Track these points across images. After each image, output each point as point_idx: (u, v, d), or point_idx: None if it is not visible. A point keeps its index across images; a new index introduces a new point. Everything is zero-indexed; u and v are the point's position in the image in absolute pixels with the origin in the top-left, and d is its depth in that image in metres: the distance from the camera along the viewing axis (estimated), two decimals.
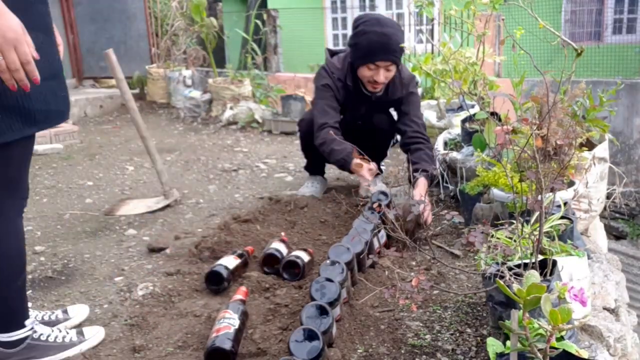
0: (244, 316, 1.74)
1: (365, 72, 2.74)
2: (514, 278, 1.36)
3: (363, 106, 2.95)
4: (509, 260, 1.53)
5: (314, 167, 3.26)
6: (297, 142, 3.59)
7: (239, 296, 1.87)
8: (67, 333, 1.70)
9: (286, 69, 8.10)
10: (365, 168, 2.62)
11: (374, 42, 2.63)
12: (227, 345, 1.55)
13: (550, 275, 1.43)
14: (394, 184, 3.24)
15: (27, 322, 1.61)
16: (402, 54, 2.73)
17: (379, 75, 2.72)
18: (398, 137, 3.30)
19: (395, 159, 4.19)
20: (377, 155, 3.14)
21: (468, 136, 2.91)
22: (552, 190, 1.44)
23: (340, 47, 11.83)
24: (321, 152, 2.82)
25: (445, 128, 3.60)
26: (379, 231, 2.29)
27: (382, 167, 3.35)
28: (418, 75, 5.08)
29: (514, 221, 1.59)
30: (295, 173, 3.89)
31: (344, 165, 2.72)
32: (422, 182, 2.63)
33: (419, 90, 5.10)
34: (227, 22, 9.46)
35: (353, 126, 2.95)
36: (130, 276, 2.25)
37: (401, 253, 1.71)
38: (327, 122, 2.79)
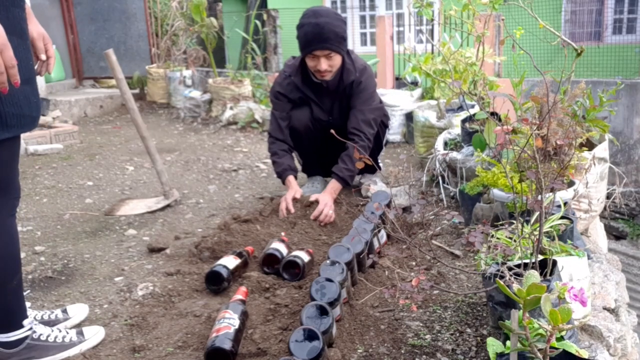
0: (244, 316, 1.74)
1: (310, 63, 2.83)
2: (514, 278, 1.36)
3: (326, 99, 2.97)
4: (509, 260, 1.53)
5: (309, 168, 3.26)
6: None
7: (239, 296, 1.87)
8: (67, 333, 1.70)
9: None
10: (290, 193, 2.76)
11: (309, 32, 2.72)
12: (227, 345, 1.55)
13: (550, 275, 1.43)
14: (394, 184, 3.24)
15: (25, 322, 1.61)
16: (341, 41, 2.78)
17: (321, 64, 2.78)
18: (387, 135, 3.33)
19: (395, 158, 4.19)
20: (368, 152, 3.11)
21: (468, 136, 2.91)
22: (552, 190, 1.44)
23: None
24: (271, 161, 3.02)
25: (445, 128, 3.60)
26: (379, 231, 2.30)
27: (380, 164, 3.33)
28: (418, 75, 5.09)
29: (514, 221, 1.59)
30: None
31: (280, 179, 2.95)
32: (329, 185, 2.81)
33: (419, 91, 5.11)
34: (227, 22, 9.47)
35: (327, 124, 2.97)
36: (130, 276, 2.25)
37: (401, 253, 1.71)
38: (271, 132, 3.00)
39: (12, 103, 1.43)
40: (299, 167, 3.44)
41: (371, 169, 3.13)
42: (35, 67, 1.60)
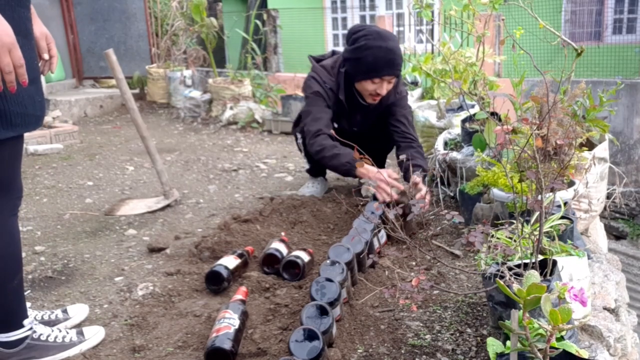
0: (244, 316, 1.74)
1: (368, 86, 2.74)
2: (514, 278, 1.36)
3: (358, 114, 2.95)
4: (509, 260, 1.53)
5: (317, 170, 3.26)
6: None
7: (239, 296, 1.87)
8: (67, 333, 1.70)
9: (286, 69, 8.10)
10: (373, 173, 2.53)
11: (380, 57, 2.63)
12: (227, 345, 1.55)
13: (550, 275, 1.43)
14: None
15: (25, 322, 1.61)
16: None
17: (382, 88, 2.73)
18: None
19: (396, 159, 4.19)
20: (375, 161, 3.12)
21: (468, 136, 2.91)
22: (552, 190, 1.44)
23: (340, 47, 11.84)
24: (319, 159, 2.77)
25: (445, 128, 3.60)
26: (379, 231, 2.30)
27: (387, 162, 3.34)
28: (418, 75, 5.09)
29: (514, 221, 1.59)
30: (295, 173, 3.89)
31: (349, 170, 2.64)
32: (417, 175, 2.65)
33: (419, 91, 5.11)
34: (227, 22, 9.46)
35: (349, 134, 2.93)
36: (130, 276, 2.25)
37: (401, 253, 1.71)
38: (321, 129, 2.74)
39: (17, 102, 1.44)
40: (298, 167, 3.45)
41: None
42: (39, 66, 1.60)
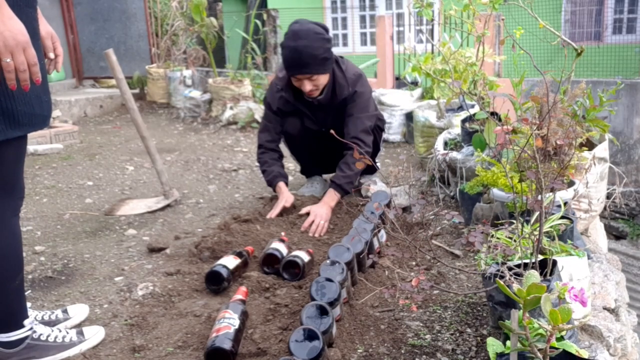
0: (244, 316, 1.74)
1: (294, 83, 2.80)
2: (514, 278, 1.36)
3: (319, 112, 2.93)
4: (509, 260, 1.53)
5: (307, 169, 3.27)
6: None
7: (239, 296, 1.87)
8: (67, 333, 1.70)
9: None
10: (282, 198, 2.78)
11: (288, 57, 2.68)
12: (227, 345, 1.55)
13: (550, 275, 1.43)
14: (394, 184, 3.24)
15: (26, 322, 1.61)
16: (323, 63, 2.70)
17: (304, 85, 2.74)
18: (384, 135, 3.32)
19: (395, 158, 4.19)
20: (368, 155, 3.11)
21: (468, 136, 2.91)
22: (552, 190, 1.44)
23: (340, 47, 11.85)
24: (261, 171, 3.02)
25: (445, 128, 3.60)
26: (379, 231, 2.30)
27: (377, 164, 3.32)
28: (418, 75, 5.09)
29: (514, 221, 1.59)
30: (295, 173, 3.89)
31: (270, 186, 2.94)
32: (327, 194, 2.75)
33: (419, 91, 5.11)
34: (227, 22, 9.46)
35: (320, 134, 2.94)
36: (130, 276, 2.25)
37: (401, 253, 1.71)
38: (262, 143, 2.99)
39: (24, 102, 1.45)
40: (298, 167, 3.44)
41: (370, 170, 3.13)
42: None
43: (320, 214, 2.59)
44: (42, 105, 1.51)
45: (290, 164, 4.18)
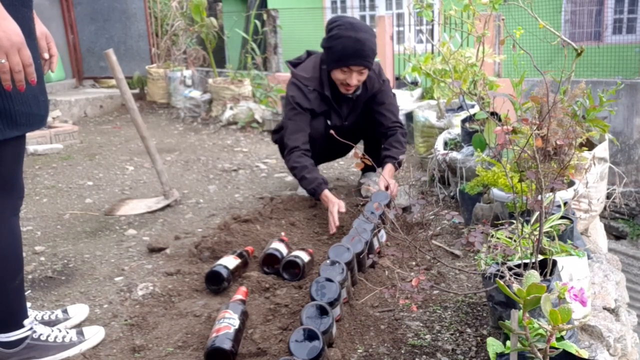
0: (244, 316, 1.74)
1: (338, 75, 2.77)
2: (514, 278, 1.36)
3: (345, 107, 2.96)
4: (509, 260, 1.53)
5: None
6: None
7: (239, 296, 1.87)
8: (67, 333, 1.70)
9: (286, 69, 8.07)
10: (332, 204, 2.60)
11: (349, 47, 2.65)
12: (227, 345, 1.55)
13: (550, 275, 1.43)
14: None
15: (25, 322, 1.61)
16: (375, 55, 2.77)
17: (352, 78, 2.74)
18: None
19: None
20: (374, 151, 3.12)
21: (468, 136, 2.91)
22: (552, 190, 1.44)
23: None
24: (293, 175, 2.87)
25: (445, 128, 3.60)
26: (379, 231, 2.30)
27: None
28: (418, 75, 5.09)
29: (514, 221, 1.59)
30: None
31: (313, 195, 2.75)
32: (387, 168, 2.82)
33: (419, 91, 5.11)
34: (227, 22, 9.46)
35: (342, 129, 2.94)
36: (130, 276, 2.25)
37: (401, 253, 1.71)
38: (298, 145, 2.81)
39: (22, 102, 1.45)
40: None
41: (373, 168, 3.13)
42: None
43: (394, 183, 2.75)
44: (39, 105, 1.51)
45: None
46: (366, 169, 3.21)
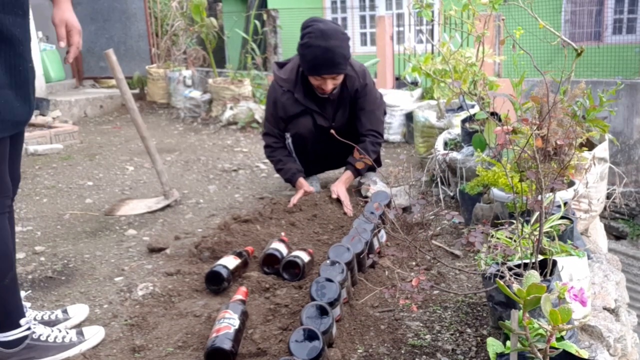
0: (244, 316, 1.74)
1: (313, 81, 2.81)
2: (514, 278, 1.36)
3: (329, 107, 2.96)
4: (509, 260, 1.53)
5: (308, 169, 3.26)
6: None
7: (239, 296, 1.87)
8: (67, 333, 1.70)
9: None
10: (303, 190, 2.87)
11: (319, 57, 2.67)
12: (227, 345, 1.55)
13: (550, 275, 1.43)
14: (394, 184, 3.24)
15: (22, 322, 1.61)
16: (347, 60, 2.79)
17: (326, 85, 2.78)
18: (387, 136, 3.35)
19: (395, 158, 4.19)
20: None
21: (468, 136, 2.91)
22: (552, 190, 1.44)
23: None
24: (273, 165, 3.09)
25: (445, 128, 3.60)
26: (379, 231, 2.30)
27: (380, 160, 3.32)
28: (418, 75, 5.09)
29: (514, 221, 1.59)
30: None
31: (290, 183, 3.03)
32: (345, 175, 2.94)
33: (419, 91, 5.11)
34: (227, 22, 9.46)
35: (329, 129, 2.95)
36: (130, 276, 2.25)
37: (401, 253, 1.71)
38: (269, 144, 3.03)
39: (11, 100, 1.44)
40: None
41: (372, 167, 3.14)
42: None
43: (344, 193, 2.82)
44: (13, 111, 1.48)
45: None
46: (366, 169, 3.21)
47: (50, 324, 1.79)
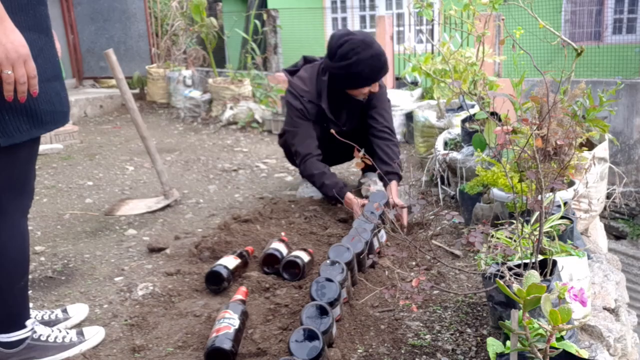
0: (244, 316, 1.74)
1: (364, 90, 2.82)
2: (514, 278, 1.36)
3: (344, 114, 2.98)
4: (509, 260, 1.53)
5: None
6: None
7: (239, 296, 1.87)
8: (67, 333, 1.70)
9: None
10: (357, 205, 2.65)
11: (376, 66, 2.73)
12: (227, 345, 1.55)
13: (550, 275, 1.43)
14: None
15: (27, 323, 1.61)
16: None
17: (376, 87, 2.85)
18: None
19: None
20: (371, 154, 3.13)
21: (468, 136, 2.91)
22: (552, 190, 1.44)
23: None
24: (311, 182, 2.91)
25: (445, 128, 3.60)
26: (379, 231, 2.30)
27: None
28: (418, 75, 5.09)
29: (514, 221, 1.59)
30: (295, 173, 3.89)
31: (336, 199, 2.79)
32: (394, 187, 2.79)
33: (419, 91, 5.11)
34: (227, 22, 9.46)
35: (340, 134, 2.95)
36: (130, 276, 2.25)
37: (401, 253, 1.71)
38: (311, 152, 2.85)
39: (46, 100, 1.46)
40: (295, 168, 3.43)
41: (372, 167, 3.14)
42: None
43: (401, 205, 2.68)
44: (62, 102, 1.52)
45: (290, 164, 4.18)
46: (366, 169, 3.21)
47: (50, 323, 1.79)
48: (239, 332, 1.64)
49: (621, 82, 2.62)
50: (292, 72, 3.03)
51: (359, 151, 1.66)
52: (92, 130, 5.90)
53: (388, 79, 6.31)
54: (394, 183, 2.81)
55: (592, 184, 2.25)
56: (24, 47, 1.29)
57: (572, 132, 1.56)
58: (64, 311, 1.87)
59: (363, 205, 2.62)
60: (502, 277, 1.37)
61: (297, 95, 2.87)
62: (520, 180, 1.54)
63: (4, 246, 1.50)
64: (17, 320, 1.60)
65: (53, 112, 1.48)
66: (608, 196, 2.51)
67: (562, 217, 1.80)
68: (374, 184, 3.06)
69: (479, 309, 1.83)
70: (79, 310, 1.90)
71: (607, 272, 1.95)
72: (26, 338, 1.61)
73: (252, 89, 6.36)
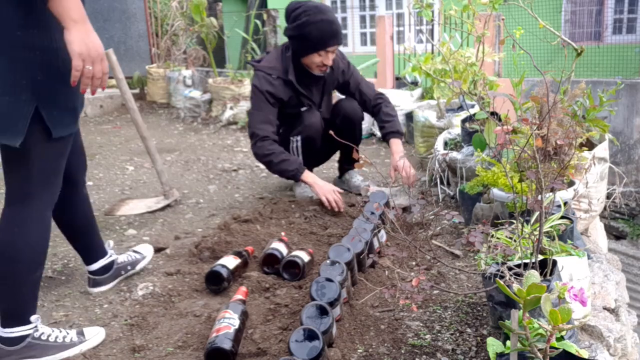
0: (244, 316, 1.74)
1: (315, 59, 2.84)
2: (514, 278, 1.36)
3: (314, 90, 3.01)
4: (509, 260, 1.53)
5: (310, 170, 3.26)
6: None
7: (239, 296, 1.87)
8: (68, 333, 1.70)
9: None
10: (328, 186, 2.77)
11: (326, 30, 2.75)
12: (227, 345, 1.55)
13: (550, 275, 1.43)
14: (394, 184, 3.24)
15: (32, 319, 1.62)
16: None
17: (328, 59, 2.85)
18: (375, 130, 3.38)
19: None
20: (354, 141, 3.12)
21: (468, 136, 2.91)
22: (552, 190, 1.44)
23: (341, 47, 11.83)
24: (265, 162, 2.90)
25: (445, 128, 3.60)
26: (379, 231, 2.30)
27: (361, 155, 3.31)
28: (418, 75, 5.09)
29: (514, 221, 1.59)
30: None
31: (295, 176, 2.85)
32: (394, 144, 2.95)
33: (419, 91, 5.12)
34: (227, 22, 9.46)
35: (327, 124, 3.04)
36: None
37: (401, 253, 1.71)
38: (267, 135, 2.85)
39: (80, 99, 1.65)
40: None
41: (352, 166, 3.16)
42: None
43: (406, 164, 2.80)
44: (84, 102, 1.70)
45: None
46: (346, 168, 3.28)
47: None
48: (239, 332, 1.64)
49: (621, 82, 2.62)
50: (258, 61, 3.09)
51: (357, 152, 1.66)
52: (92, 130, 5.90)
53: (388, 79, 6.31)
54: (394, 141, 2.94)
55: (592, 184, 2.25)
56: (101, 47, 1.47)
57: (572, 132, 1.56)
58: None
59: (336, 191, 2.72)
60: (502, 277, 1.37)
61: (265, 75, 2.88)
62: (520, 180, 1.54)
63: (28, 232, 1.56)
64: (24, 313, 1.61)
65: (79, 110, 1.65)
66: (608, 196, 2.51)
67: (562, 217, 1.80)
68: (374, 184, 3.06)
69: (479, 309, 1.83)
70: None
71: (607, 272, 1.95)
72: (27, 336, 1.61)
73: None
